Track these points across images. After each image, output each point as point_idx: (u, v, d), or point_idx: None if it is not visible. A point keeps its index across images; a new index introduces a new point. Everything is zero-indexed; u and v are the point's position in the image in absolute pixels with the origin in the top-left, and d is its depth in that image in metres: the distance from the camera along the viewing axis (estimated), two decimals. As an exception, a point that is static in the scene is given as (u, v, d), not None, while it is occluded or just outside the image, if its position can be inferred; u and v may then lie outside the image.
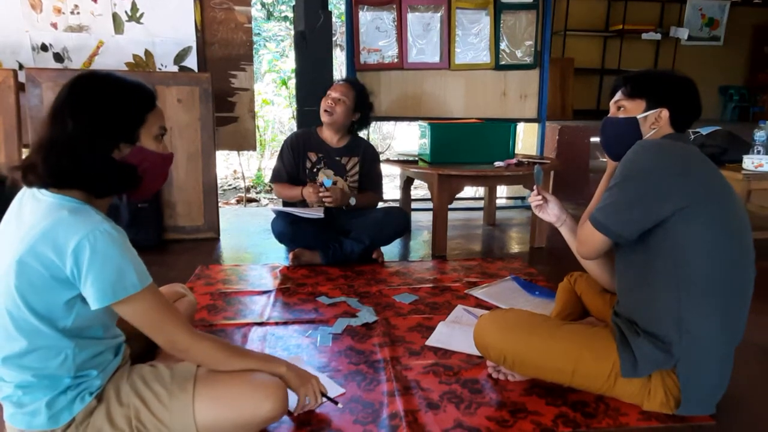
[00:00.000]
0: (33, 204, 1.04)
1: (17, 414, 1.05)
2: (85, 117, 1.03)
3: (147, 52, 3.22)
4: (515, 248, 3.12)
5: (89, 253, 0.98)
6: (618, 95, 1.46)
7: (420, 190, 5.29)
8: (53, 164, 1.03)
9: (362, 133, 2.92)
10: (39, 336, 1.02)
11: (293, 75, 5.01)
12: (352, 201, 2.61)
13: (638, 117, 1.41)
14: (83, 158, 1.03)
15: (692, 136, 3.21)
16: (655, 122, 1.40)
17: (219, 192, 3.65)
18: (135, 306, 1.04)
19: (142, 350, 1.38)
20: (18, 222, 1.05)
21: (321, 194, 2.53)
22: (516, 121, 3.49)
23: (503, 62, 3.68)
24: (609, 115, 1.49)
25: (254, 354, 1.31)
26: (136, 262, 1.04)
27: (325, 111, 2.63)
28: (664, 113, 1.39)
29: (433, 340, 1.81)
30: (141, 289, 1.03)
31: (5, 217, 1.09)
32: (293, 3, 3.47)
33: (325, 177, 2.63)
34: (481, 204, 3.93)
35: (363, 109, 2.72)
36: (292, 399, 1.28)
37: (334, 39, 4.68)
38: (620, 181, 1.30)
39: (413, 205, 3.69)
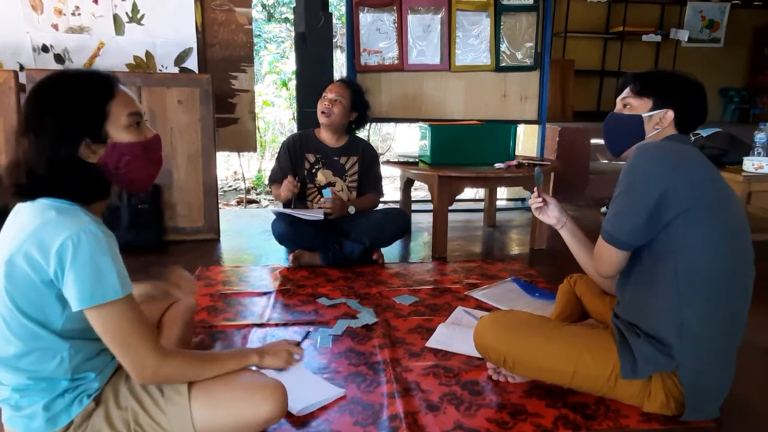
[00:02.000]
0: (26, 206, 1.03)
1: (15, 417, 1.05)
2: (36, 132, 1.00)
3: (148, 54, 3.22)
4: (515, 250, 3.12)
5: (72, 252, 0.95)
6: (625, 92, 1.46)
7: (420, 191, 5.29)
8: (19, 185, 1.01)
9: (362, 134, 2.92)
10: (33, 338, 1.01)
11: (294, 76, 5.02)
12: (351, 210, 2.62)
13: (643, 116, 1.41)
14: (46, 173, 1.00)
15: (692, 138, 3.21)
16: (659, 122, 1.40)
17: (219, 193, 3.65)
18: (112, 314, 1.00)
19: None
20: (13, 224, 1.04)
21: (321, 206, 2.55)
22: (516, 122, 3.49)
23: (503, 64, 3.68)
24: (614, 111, 1.49)
25: (225, 355, 1.25)
26: (120, 268, 1.01)
27: (323, 113, 2.63)
28: (669, 114, 1.38)
29: (433, 342, 1.81)
30: (122, 297, 0.99)
31: (9, 217, 1.08)
32: (294, 4, 3.47)
33: (324, 190, 2.63)
34: (481, 205, 3.93)
35: (360, 108, 2.72)
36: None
37: (334, 40, 4.68)
38: (624, 190, 1.29)
39: (413, 206, 3.69)
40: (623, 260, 1.35)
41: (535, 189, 1.64)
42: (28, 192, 1.03)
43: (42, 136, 1.00)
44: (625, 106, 1.46)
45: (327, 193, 2.60)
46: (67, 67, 3.13)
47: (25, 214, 1.02)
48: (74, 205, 1.03)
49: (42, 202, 1.02)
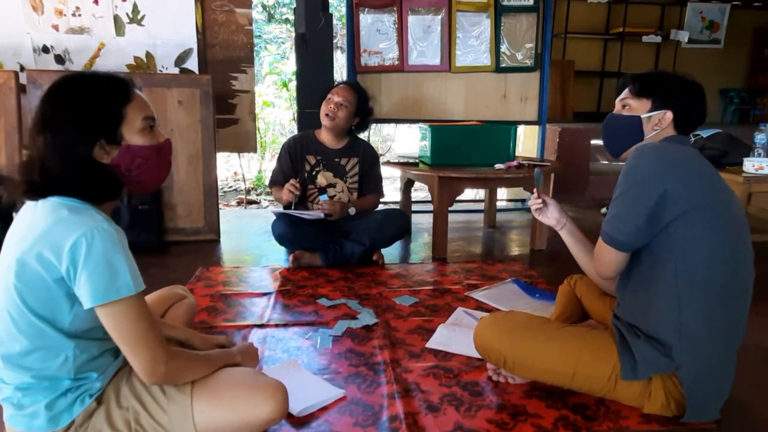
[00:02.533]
0: (37, 205, 1.04)
1: (17, 416, 1.05)
2: (53, 131, 1.01)
3: (148, 54, 3.23)
4: (515, 251, 3.12)
5: (85, 250, 0.96)
6: (624, 93, 1.46)
7: (420, 192, 5.29)
8: (32, 182, 1.02)
9: (363, 135, 2.92)
10: (39, 336, 1.02)
11: (294, 77, 5.02)
12: (352, 211, 2.62)
13: (642, 116, 1.41)
14: (59, 172, 1.01)
15: (692, 139, 3.21)
16: (657, 123, 1.40)
17: (219, 194, 3.65)
18: (124, 311, 1.00)
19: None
20: (23, 222, 1.05)
21: (321, 209, 2.55)
22: (516, 123, 3.50)
23: (504, 64, 3.68)
24: (613, 112, 1.49)
25: (214, 354, 1.27)
26: (132, 265, 1.02)
27: (327, 115, 2.63)
28: (668, 115, 1.38)
29: (433, 343, 1.81)
30: (134, 293, 1.00)
31: (18, 216, 1.09)
32: (294, 5, 3.47)
33: (321, 196, 2.63)
34: (481, 206, 3.93)
35: (363, 113, 2.73)
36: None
37: (334, 41, 4.69)
38: (624, 190, 1.29)
39: (413, 207, 3.69)
40: (623, 261, 1.35)
41: (535, 190, 1.64)
42: (40, 190, 1.04)
43: (59, 135, 1.01)
44: (624, 107, 1.46)
45: (324, 197, 2.61)
46: (68, 68, 3.14)
47: (35, 212, 1.03)
48: (86, 204, 1.04)
49: (53, 201, 1.03)
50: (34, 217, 1.03)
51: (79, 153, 1.03)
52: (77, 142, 1.02)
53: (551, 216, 1.62)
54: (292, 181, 2.54)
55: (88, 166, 1.04)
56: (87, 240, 0.97)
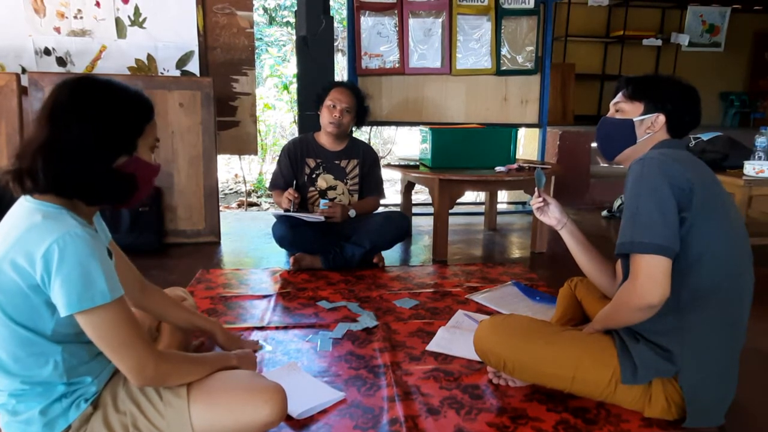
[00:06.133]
0: (16, 210, 1.02)
1: (12, 422, 1.04)
2: (90, 123, 1.00)
3: (149, 57, 3.23)
4: (516, 253, 3.11)
5: (58, 257, 0.94)
6: (618, 97, 1.46)
7: (421, 194, 5.30)
8: (57, 169, 0.99)
9: (363, 137, 2.92)
10: (25, 344, 1.00)
11: (295, 80, 5.03)
12: (352, 213, 2.63)
13: (634, 120, 1.41)
14: (86, 165, 1.00)
15: (693, 142, 3.21)
16: (650, 127, 1.40)
17: (220, 196, 3.65)
18: (102, 319, 0.98)
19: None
20: (2, 228, 1.02)
21: (319, 213, 2.56)
22: (517, 126, 3.50)
23: (504, 67, 3.69)
24: (606, 116, 1.50)
25: (208, 356, 1.26)
26: (108, 271, 0.99)
27: (331, 123, 2.63)
28: (660, 119, 1.38)
29: (433, 346, 1.81)
30: (111, 301, 0.98)
31: (2, 221, 1.07)
32: (295, 8, 3.48)
33: (322, 200, 2.64)
34: (482, 209, 3.93)
35: (361, 113, 2.75)
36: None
37: (335, 44, 4.69)
38: (646, 194, 1.24)
39: (414, 209, 3.69)
40: (669, 271, 1.23)
41: (536, 189, 1.64)
42: (58, 180, 1.00)
43: (92, 131, 1.01)
44: (617, 110, 1.46)
45: (324, 202, 2.62)
46: (69, 71, 3.14)
47: (13, 217, 1.01)
48: (61, 209, 1.01)
49: (29, 206, 1.00)
50: (10, 222, 1.00)
51: (103, 154, 1.03)
52: (99, 140, 1.02)
53: (552, 216, 1.62)
54: (290, 190, 2.57)
55: (104, 167, 1.04)
56: (59, 246, 0.94)
